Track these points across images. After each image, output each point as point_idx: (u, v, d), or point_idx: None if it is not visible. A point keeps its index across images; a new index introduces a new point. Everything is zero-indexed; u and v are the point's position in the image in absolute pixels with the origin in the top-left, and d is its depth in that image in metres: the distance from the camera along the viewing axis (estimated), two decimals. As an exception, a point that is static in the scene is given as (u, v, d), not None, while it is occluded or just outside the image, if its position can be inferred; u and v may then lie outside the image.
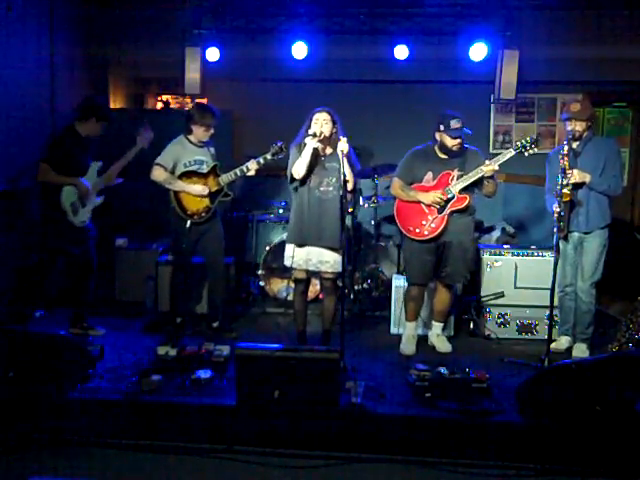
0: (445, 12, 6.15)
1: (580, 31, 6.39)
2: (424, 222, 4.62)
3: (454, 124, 4.49)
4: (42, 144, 4.73)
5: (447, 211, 4.57)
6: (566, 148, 4.40)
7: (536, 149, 4.50)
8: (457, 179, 4.55)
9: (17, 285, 4.74)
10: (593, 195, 4.54)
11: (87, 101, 4.81)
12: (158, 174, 4.75)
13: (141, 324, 5.23)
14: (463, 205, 4.56)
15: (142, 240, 5.98)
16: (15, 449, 3.42)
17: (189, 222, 4.74)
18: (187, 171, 4.82)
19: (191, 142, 4.86)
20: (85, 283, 4.91)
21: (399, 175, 4.75)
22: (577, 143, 4.58)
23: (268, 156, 4.75)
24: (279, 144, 4.71)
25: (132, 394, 3.72)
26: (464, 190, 4.55)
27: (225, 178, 4.86)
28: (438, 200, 4.55)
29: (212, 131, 4.84)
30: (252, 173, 4.84)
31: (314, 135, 4.28)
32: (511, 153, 4.49)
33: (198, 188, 4.81)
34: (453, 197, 4.56)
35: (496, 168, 4.45)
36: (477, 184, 4.57)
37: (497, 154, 4.58)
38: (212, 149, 4.98)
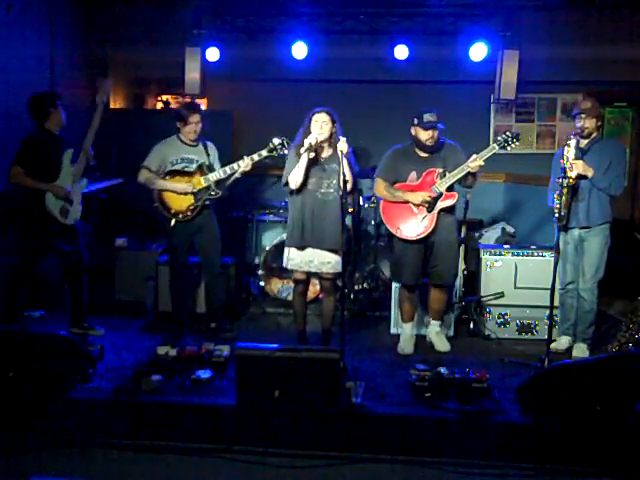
0: (445, 12, 6.15)
1: (580, 31, 6.38)
2: (414, 222, 4.60)
3: (427, 117, 4.48)
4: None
5: (437, 209, 4.57)
6: (573, 141, 4.39)
7: (517, 143, 4.55)
8: (441, 176, 4.56)
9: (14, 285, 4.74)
10: (595, 191, 4.53)
11: (34, 100, 4.67)
12: (140, 175, 4.76)
13: (141, 324, 5.23)
14: (454, 202, 4.57)
15: (142, 240, 5.97)
16: (15, 449, 3.42)
17: (173, 221, 4.75)
18: (171, 170, 4.79)
19: (182, 141, 4.83)
20: (79, 281, 4.88)
21: (382, 175, 4.71)
22: (585, 141, 4.58)
23: (264, 152, 4.64)
24: (277, 141, 4.58)
25: (132, 394, 3.72)
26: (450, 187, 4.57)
27: (212, 176, 4.77)
28: (428, 199, 4.54)
29: (199, 128, 4.78)
30: (247, 169, 4.66)
31: (309, 146, 4.24)
32: (495, 149, 4.51)
33: (181, 186, 4.76)
34: (441, 195, 4.56)
35: (482, 164, 4.45)
36: (459, 180, 4.58)
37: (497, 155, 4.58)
38: (210, 145, 4.91)
